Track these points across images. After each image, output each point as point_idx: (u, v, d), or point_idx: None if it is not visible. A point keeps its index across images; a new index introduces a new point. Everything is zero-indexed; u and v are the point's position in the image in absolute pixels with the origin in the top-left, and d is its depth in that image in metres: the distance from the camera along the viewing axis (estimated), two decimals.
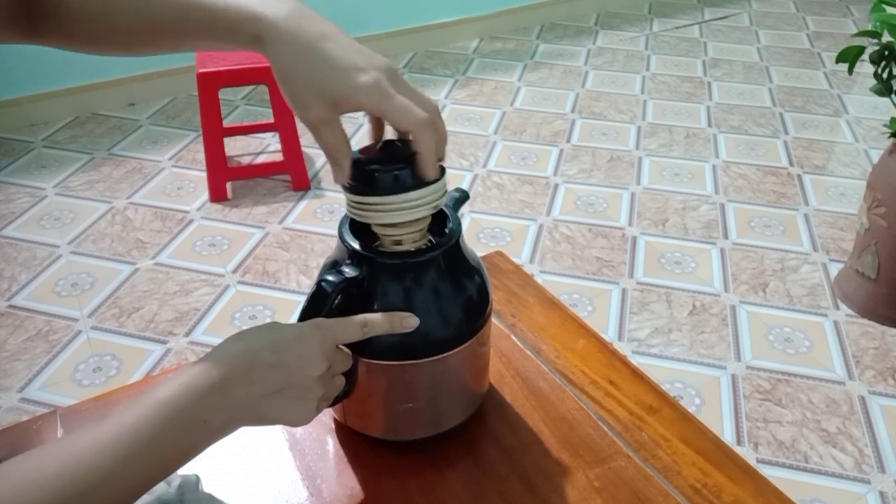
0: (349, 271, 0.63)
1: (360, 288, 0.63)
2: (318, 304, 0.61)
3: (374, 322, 0.61)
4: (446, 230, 0.68)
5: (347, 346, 0.63)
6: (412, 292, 0.64)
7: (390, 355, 0.65)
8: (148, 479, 0.51)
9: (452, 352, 0.66)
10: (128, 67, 2.90)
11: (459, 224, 0.68)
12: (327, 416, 0.75)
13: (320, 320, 0.59)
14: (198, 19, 0.58)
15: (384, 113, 0.56)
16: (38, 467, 0.46)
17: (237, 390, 0.53)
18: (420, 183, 0.60)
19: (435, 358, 0.66)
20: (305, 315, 0.61)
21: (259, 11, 0.56)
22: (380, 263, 0.63)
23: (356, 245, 0.64)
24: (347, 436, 0.73)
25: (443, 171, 0.62)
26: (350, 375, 0.65)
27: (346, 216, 0.67)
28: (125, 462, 0.48)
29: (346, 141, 0.58)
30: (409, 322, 0.62)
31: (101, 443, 0.48)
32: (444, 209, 0.68)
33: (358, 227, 0.66)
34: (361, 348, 0.64)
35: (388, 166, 0.59)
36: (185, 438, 0.51)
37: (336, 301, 0.62)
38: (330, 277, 0.62)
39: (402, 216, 0.60)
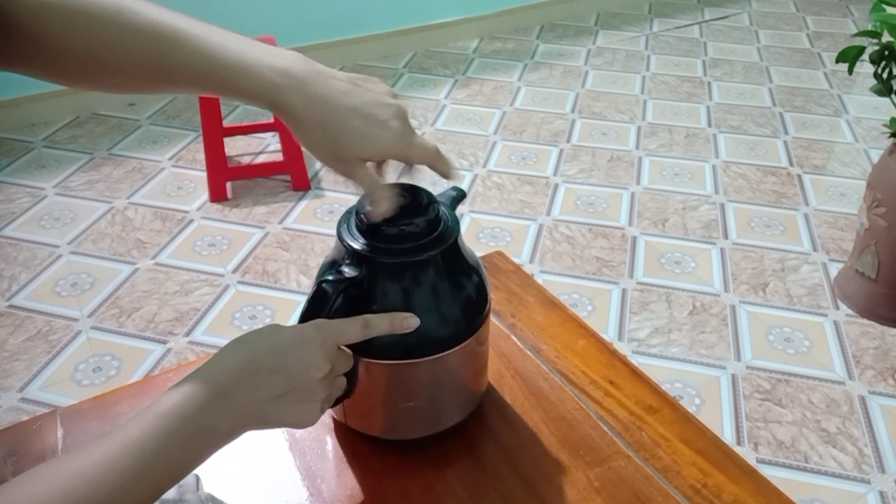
0: (349, 271, 0.63)
1: (359, 288, 0.63)
2: (319, 306, 0.61)
3: (375, 322, 0.61)
4: (444, 229, 0.68)
5: (348, 346, 0.63)
6: (411, 292, 0.64)
7: (390, 354, 0.65)
8: (157, 491, 0.50)
9: (451, 351, 0.66)
10: None
11: (458, 223, 0.68)
12: (327, 416, 0.76)
13: (321, 322, 0.60)
14: (209, 73, 0.58)
15: (407, 157, 0.62)
16: (47, 486, 0.46)
17: (241, 396, 0.53)
18: None
19: (434, 357, 0.66)
20: (306, 316, 0.61)
21: (276, 82, 0.57)
22: (379, 263, 0.63)
23: (356, 245, 0.64)
24: (347, 435, 0.73)
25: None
26: (351, 375, 0.65)
27: (344, 215, 0.68)
28: (133, 476, 0.48)
29: (378, 178, 0.63)
30: (409, 322, 0.62)
31: (108, 458, 0.48)
32: (442, 208, 0.69)
33: (357, 227, 0.66)
34: (361, 348, 0.64)
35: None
36: (192, 448, 0.51)
37: (336, 302, 0.62)
38: (330, 278, 0.62)
39: None
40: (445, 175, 0.64)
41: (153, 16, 0.58)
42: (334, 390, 0.61)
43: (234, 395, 0.53)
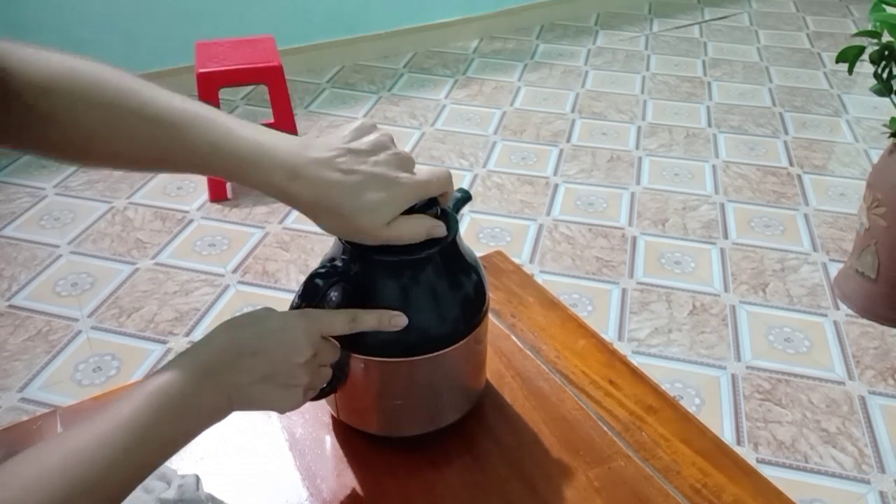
0: (342, 266, 0.63)
1: (353, 283, 0.63)
2: (309, 297, 0.62)
3: (362, 318, 0.62)
4: (447, 227, 0.67)
5: (342, 343, 0.63)
6: (408, 289, 0.65)
7: (388, 352, 0.65)
8: (147, 466, 0.53)
9: (449, 349, 0.66)
10: (128, 67, 2.89)
11: (457, 223, 0.68)
12: (326, 415, 0.76)
13: (308, 310, 0.61)
14: (213, 163, 0.59)
15: (425, 197, 0.62)
16: (43, 465, 0.48)
17: (225, 377, 0.55)
18: None
19: (431, 355, 0.66)
20: (296, 307, 0.62)
21: (282, 181, 0.58)
22: (375, 260, 0.64)
23: (356, 243, 0.64)
24: (347, 435, 0.73)
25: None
26: (341, 370, 0.66)
27: None
28: (125, 452, 0.50)
29: (415, 224, 0.62)
30: (397, 321, 0.63)
31: (101, 436, 0.50)
32: (444, 208, 0.69)
33: None
34: (359, 345, 0.64)
35: None
36: (180, 425, 0.53)
37: (328, 295, 0.62)
38: (322, 272, 0.63)
39: None
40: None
41: (161, 100, 0.59)
42: (317, 379, 0.61)
43: (219, 376, 0.55)
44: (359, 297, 0.63)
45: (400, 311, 0.63)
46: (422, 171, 0.62)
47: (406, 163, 0.61)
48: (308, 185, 0.58)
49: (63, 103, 0.58)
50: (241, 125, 0.60)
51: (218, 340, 0.57)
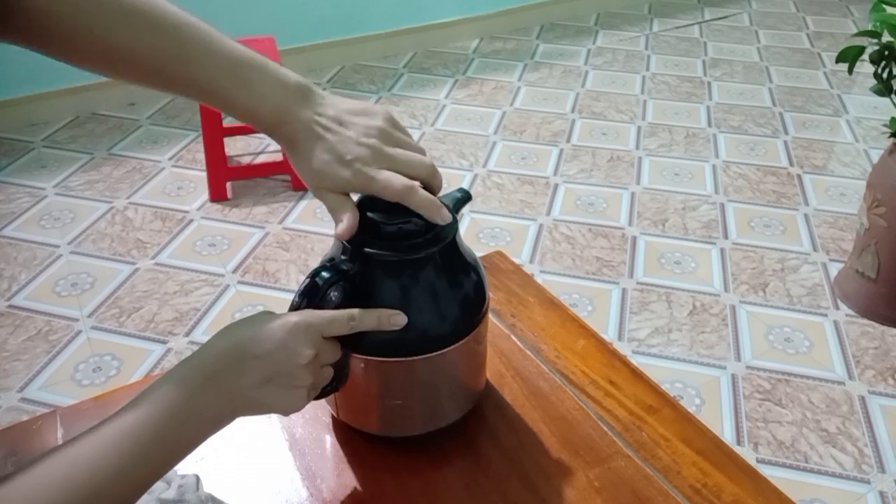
0: (342, 266, 0.63)
1: (353, 283, 0.63)
2: (309, 297, 0.62)
3: (362, 317, 0.62)
4: (442, 228, 0.67)
5: (343, 342, 0.63)
6: (407, 289, 0.65)
7: (388, 352, 0.65)
8: (153, 474, 0.52)
9: (448, 349, 0.66)
10: None
11: (456, 222, 0.68)
12: (326, 415, 0.76)
13: (308, 311, 0.61)
14: (216, 73, 0.59)
15: (370, 192, 0.62)
16: (48, 474, 0.47)
17: (228, 382, 0.55)
18: None
19: (431, 355, 0.66)
20: (296, 307, 0.62)
21: (285, 98, 0.61)
22: (375, 260, 0.64)
23: (352, 241, 0.64)
24: (347, 435, 0.73)
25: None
26: (341, 370, 0.66)
27: None
28: (130, 460, 0.50)
29: (341, 201, 0.63)
30: (396, 320, 0.63)
31: (105, 444, 0.50)
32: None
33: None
34: (359, 345, 0.64)
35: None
36: (185, 431, 0.53)
37: (328, 294, 0.62)
38: (322, 271, 0.63)
39: None
40: (426, 214, 0.63)
41: (170, 9, 0.59)
42: (320, 379, 0.61)
43: (221, 381, 0.55)
44: (359, 297, 0.63)
45: (399, 311, 0.63)
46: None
47: (368, 158, 0.61)
48: (303, 121, 0.61)
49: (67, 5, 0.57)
50: (245, 47, 0.61)
51: (219, 345, 0.57)
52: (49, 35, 0.58)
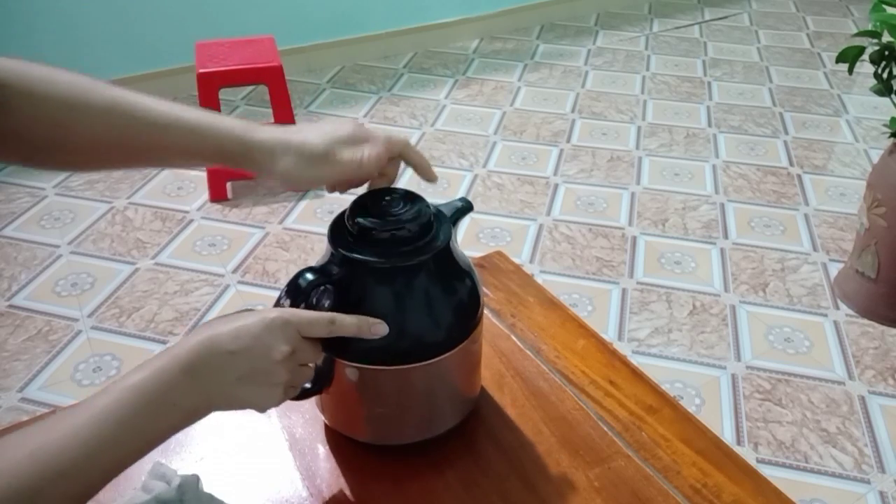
0: (330, 269, 0.63)
1: (340, 287, 0.63)
2: (293, 294, 0.61)
3: (342, 321, 0.61)
4: (434, 236, 0.66)
5: (331, 350, 0.63)
6: (396, 297, 0.64)
7: (378, 360, 0.64)
8: (122, 461, 0.53)
9: (441, 357, 0.65)
10: (128, 67, 2.90)
11: (450, 230, 0.67)
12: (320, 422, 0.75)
13: (287, 309, 0.61)
14: (181, 138, 0.65)
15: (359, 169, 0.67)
16: (13, 448, 0.48)
17: (203, 376, 0.55)
18: None
19: (423, 364, 0.65)
20: (280, 303, 0.61)
21: (247, 137, 0.66)
22: (365, 266, 0.63)
23: (342, 246, 0.64)
24: (343, 438, 0.73)
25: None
26: (325, 373, 0.65)
27: (336, 217, 0.67)
28: (98, 444, 0.50)
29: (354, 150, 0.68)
30: (377, 329, 0.62)
31: (74, 426, 0.50)
32: (439, 217, 0.68)
33: (348, 230, 0.65)
34: (349, 352, 0.64)
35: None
36: (157, 421, 0.54)
37: (315, 297, 0.62)
38: (307, 272, 0.62)
39: None
40: (418, 170, 0.70)
41: (115, 90, 0.64)
42: (297, 377, 0.61)
43: (197, 374, 0.55)
44: (347, 303, 0.63)
45: (382, 320, 0.62)
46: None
47: (360, 135, 0.68)
48: (276, 144, 0.66)
49: (18, 93, 0.61)
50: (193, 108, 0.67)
51: (196, 340, 0.57)
52: (39, 141, 0.64)
